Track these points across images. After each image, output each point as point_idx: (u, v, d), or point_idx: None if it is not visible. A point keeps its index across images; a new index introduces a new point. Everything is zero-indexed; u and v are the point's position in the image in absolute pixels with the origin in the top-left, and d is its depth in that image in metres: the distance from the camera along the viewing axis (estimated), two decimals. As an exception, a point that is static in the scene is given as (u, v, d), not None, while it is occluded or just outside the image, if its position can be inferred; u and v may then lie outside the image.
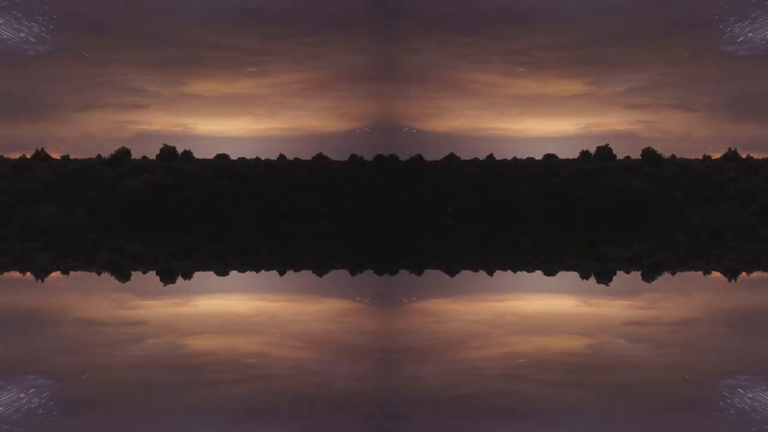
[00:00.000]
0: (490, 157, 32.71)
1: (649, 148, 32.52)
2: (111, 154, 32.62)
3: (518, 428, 6.14)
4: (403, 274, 16.26)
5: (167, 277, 15.63)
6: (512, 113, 31.93)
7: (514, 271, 16.88)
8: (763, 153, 32.31)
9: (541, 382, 7.51)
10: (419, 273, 16.53)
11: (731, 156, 32.56)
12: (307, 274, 16.21)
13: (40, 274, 16.23)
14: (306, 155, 32.71)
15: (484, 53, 31.45)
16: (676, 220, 31.23)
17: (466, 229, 28.67)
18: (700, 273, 16.74)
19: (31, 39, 30.48)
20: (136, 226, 29.90)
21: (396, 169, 31.69)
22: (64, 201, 31.74)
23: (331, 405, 6.71)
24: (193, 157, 32.76)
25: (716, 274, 16.50)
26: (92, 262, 18.42)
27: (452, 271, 16.64)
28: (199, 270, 16.94)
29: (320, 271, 16.64)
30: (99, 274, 16.11)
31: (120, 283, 14.86)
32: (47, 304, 12.30)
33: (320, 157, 32.72)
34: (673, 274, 16.45)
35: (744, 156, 32.50)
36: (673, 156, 32.74)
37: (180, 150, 32.67)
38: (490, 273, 16.38)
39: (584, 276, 15.84)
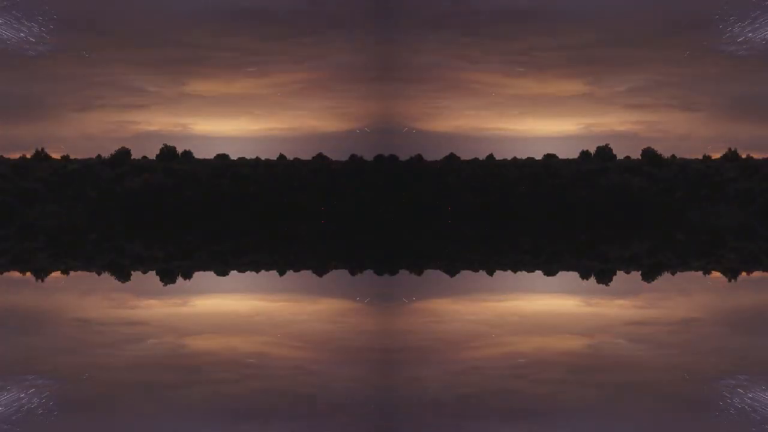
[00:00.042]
0: (490, 157, 32.68)
1: (649, 148, 32.50)
2: (111, 154, 32.59)
3: (518, 428, 6.14)
4: (403, 274, 16.26)
5: (167, 277, 15.63)
6: (512, 113, 31.90)
7: (515, 271, 16.87)
8: (763, 153, 32.30)
9: (541, 382, 7.50)
10: (419, 273, 16.53)
11: (731, 156, 32.54)
12: (306, 274, 16.20)
13: (40, 274, 16.23)
14: (306, 155, 32.69)
15: (484, 53, 31.45)
16: (676, 220, 31.21)
17: (466, 229, 28.65)
18: (700, 273, 16.73)
19: (31, 39, 30.45)
20: (136, 226, 29.88)
21: (396, 169, 31.66)
22: (64, 201, 31.72)
23: (331, 405, 6.71)
24: (193, 157, 32.74)
25: (716, 274, 16.49)
26: (92, 262, 18.41)
27: (452, 271, 16.63)
28: (199, 270, 16.93)
29: (320, 271, 16.63)
30: (99, 274, 16.10)
31: (120, 283, 14.86)
32: (47, 304, 12.30)
33: (320, 157, 32.70)
34: (673, 274, 16.45)
35: (744, 156, 32.49)
36: (673, 156, 32.72)
37: (180, 150, 32.64)
38: (490, 273, 16.37)
39: (584, 276, 15.84)
